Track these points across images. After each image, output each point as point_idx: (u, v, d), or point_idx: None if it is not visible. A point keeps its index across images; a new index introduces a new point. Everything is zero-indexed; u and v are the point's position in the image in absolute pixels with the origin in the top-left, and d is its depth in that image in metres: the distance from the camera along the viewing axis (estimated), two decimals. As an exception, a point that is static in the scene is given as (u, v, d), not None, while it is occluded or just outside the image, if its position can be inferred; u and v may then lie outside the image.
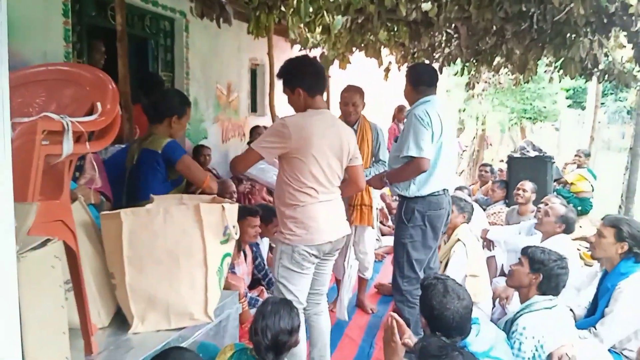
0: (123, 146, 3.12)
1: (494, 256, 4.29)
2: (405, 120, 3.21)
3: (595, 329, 2.68)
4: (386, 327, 2.05)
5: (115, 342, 1.92)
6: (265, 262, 3.90)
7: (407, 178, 3.10)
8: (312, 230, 2.49)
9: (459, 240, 3.69)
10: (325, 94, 6.43)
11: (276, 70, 5.21)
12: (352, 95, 3.66)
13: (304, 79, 2.60)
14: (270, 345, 1.89)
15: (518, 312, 2.48)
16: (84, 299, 1.68)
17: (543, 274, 2.48)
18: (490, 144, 13.56)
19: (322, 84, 2.66)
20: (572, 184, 7.27)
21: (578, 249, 4.51)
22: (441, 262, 3.71)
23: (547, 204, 3.78)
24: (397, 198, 3.77)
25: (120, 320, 2.06)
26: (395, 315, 2.08)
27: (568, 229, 3.67)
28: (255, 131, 6.41)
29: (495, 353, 2.10)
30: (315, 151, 2.49)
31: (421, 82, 3.19)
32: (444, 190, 3.19)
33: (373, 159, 3.81)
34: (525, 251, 2.63)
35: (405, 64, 6.19)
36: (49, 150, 1.33)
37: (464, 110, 12.80)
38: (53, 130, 1.33)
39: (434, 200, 3.13)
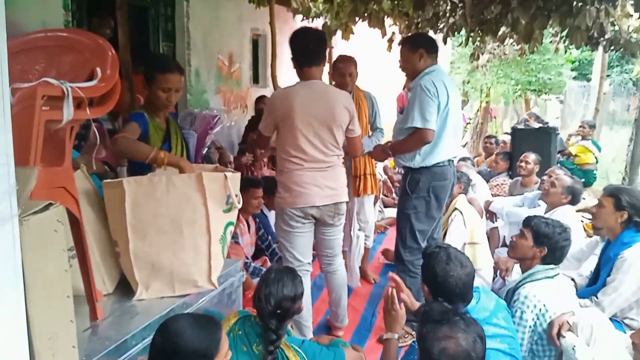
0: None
1: (497, 227, 4.31)
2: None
3: (597, 298, 2.69)
4: (386, 297, 2.08)
5: (120, 309, 1.95)
6: (273, 234, 3.93)
7: (411, 149, 3.07)
8: (295, 194, 2.70)
9: (456, 209, 3.71)
10: (328, 66, 6.40)
11: (278, 40, 5.17)
12: (348, 66, 3.63)
13: (293, 51, 2.75)
14: (273, 311, 1.91)
15: (520, 282, 2.49)
16: (88, 266, 1.70)
17: (548, 247, 2.47)
18: (494, 117, 13.46)
19: (310, 57, 2.72)
20: (576, 155, 7.22)
21: (582, 221, 4.51)
22: None
23: (551, 176, 3.77)
24: (401, 170, 3.76)
25: (125, 288, 2.08)
26: (395, 276, 2.10)
27: (574, 200, 3.67)
28: (260, 101, 6.35)
29: (496, 320, 2.12)
30: (298, 121, 2.66)
31: (435, 50, 3.14)
32: (449, 161, 3.17)
33: (369, 127, 3.79)
34: (528, 223, 2.60)
35: (409, 34, 6.10)
36: (50, 115, 1.32)
37: (467, 83, 12.66)
38: (53, 95, 1.32)
39: (439, 171, 3.11)
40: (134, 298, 2.01)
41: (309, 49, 2.73)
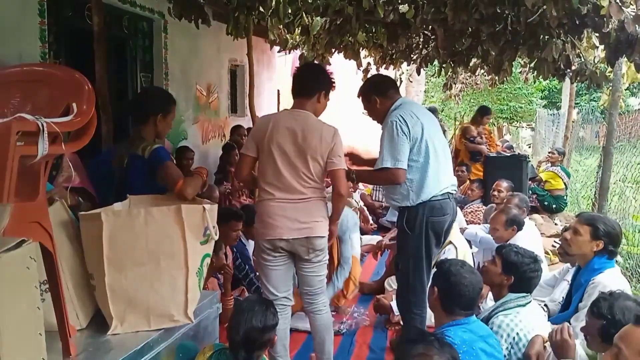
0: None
1: (472, 254, 4.36)
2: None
3: (570, 324, 2.72)
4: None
5: (94, 344, 1.91)
6: (251, 264, 3.91)
7: (377, 184, 3.09)
8: (265, 225, 2.68)
9: (450, 242, 3.60)
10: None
11: (255, 70, 5.23)
12: None
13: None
14: (241, 341, 1.91)
15: (493, 311, 2.50)
16: (62, 301, 1.67)
17: (515, 276, 2.49)
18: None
19: (297, 87, 2.82)
20: (546, 181, 7.39)
21: (553, 246, 4.61)
22: None
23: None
24: (379, 197, 3.73)
25: (99, 322, 2.05)
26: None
27: (519, 227, 3.75)
28: (236, 131, 6.41)
29: (492, 341, 2.16)
30: (273, 148, 2.64)
31: (389, 87, 3.06)
32: (448, 194, 2.93)
33: None
34: (500, 250, 2.62)
35: (384, 65, 6.24)
36: (24, 151, 1.32)
37: (442, 111, 12.94)
38: (28, 131, 1.33)
39: (437, 206, 2.87)
40: (108, 332, 1.97)
41: (297, 80, 2.85)
